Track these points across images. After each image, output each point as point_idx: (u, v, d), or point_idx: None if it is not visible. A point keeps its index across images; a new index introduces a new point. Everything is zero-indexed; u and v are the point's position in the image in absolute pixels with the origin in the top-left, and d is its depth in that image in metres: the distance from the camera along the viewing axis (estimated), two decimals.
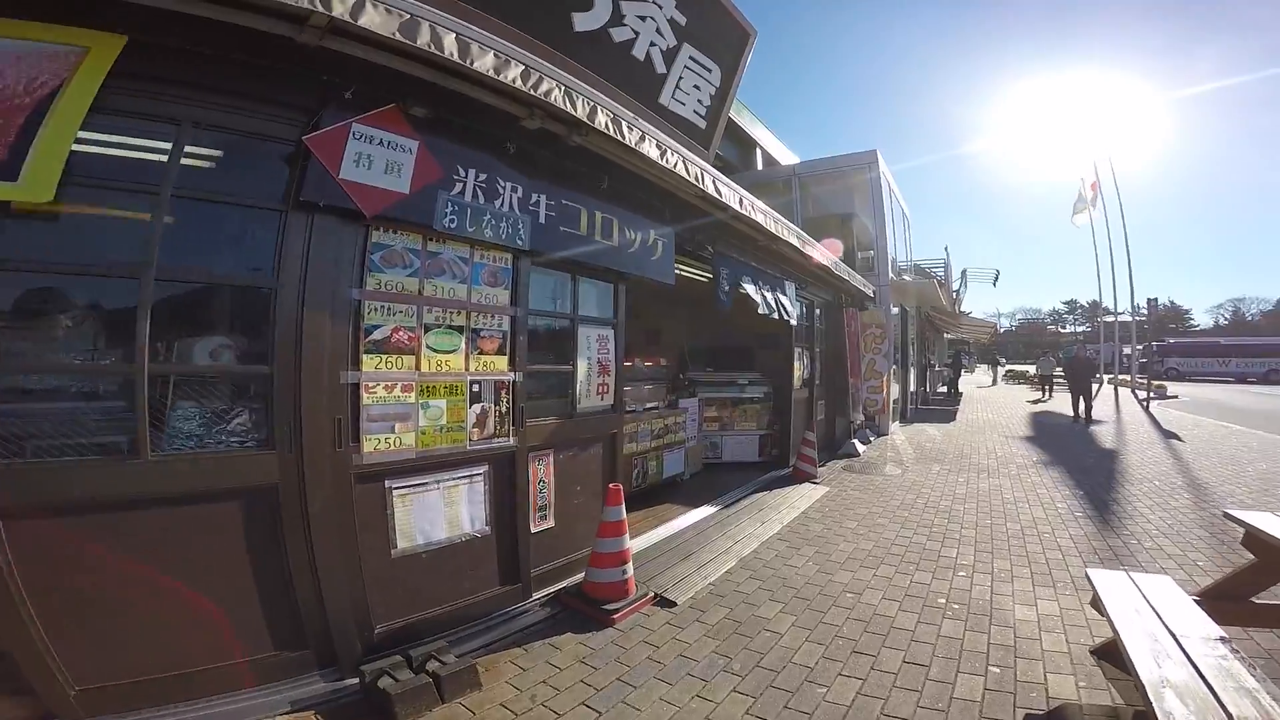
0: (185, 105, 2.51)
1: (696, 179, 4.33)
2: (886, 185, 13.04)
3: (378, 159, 2.89)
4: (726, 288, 5.63)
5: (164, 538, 2.47)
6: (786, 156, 18.16)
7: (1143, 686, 2.12)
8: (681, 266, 6.87)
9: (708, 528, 5.39)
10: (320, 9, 2.25)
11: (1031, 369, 32.97)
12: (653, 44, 5.68)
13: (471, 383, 3.35)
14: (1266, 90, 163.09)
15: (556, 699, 2.77)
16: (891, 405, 12.10)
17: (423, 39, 2.56)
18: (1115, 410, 16.18)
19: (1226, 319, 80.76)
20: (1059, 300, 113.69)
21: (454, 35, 2.69)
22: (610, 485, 3.74)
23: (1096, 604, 2.95)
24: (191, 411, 2.72)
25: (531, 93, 3.02)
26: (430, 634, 3.06)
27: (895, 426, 12.38)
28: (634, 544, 4.80)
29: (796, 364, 8.32)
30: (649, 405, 6.76)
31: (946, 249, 18.06)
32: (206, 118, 2.57)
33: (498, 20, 4.07)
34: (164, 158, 2.48)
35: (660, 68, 5.87)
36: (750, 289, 6.01)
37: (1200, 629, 2.46)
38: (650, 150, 3.80)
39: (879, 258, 12.40)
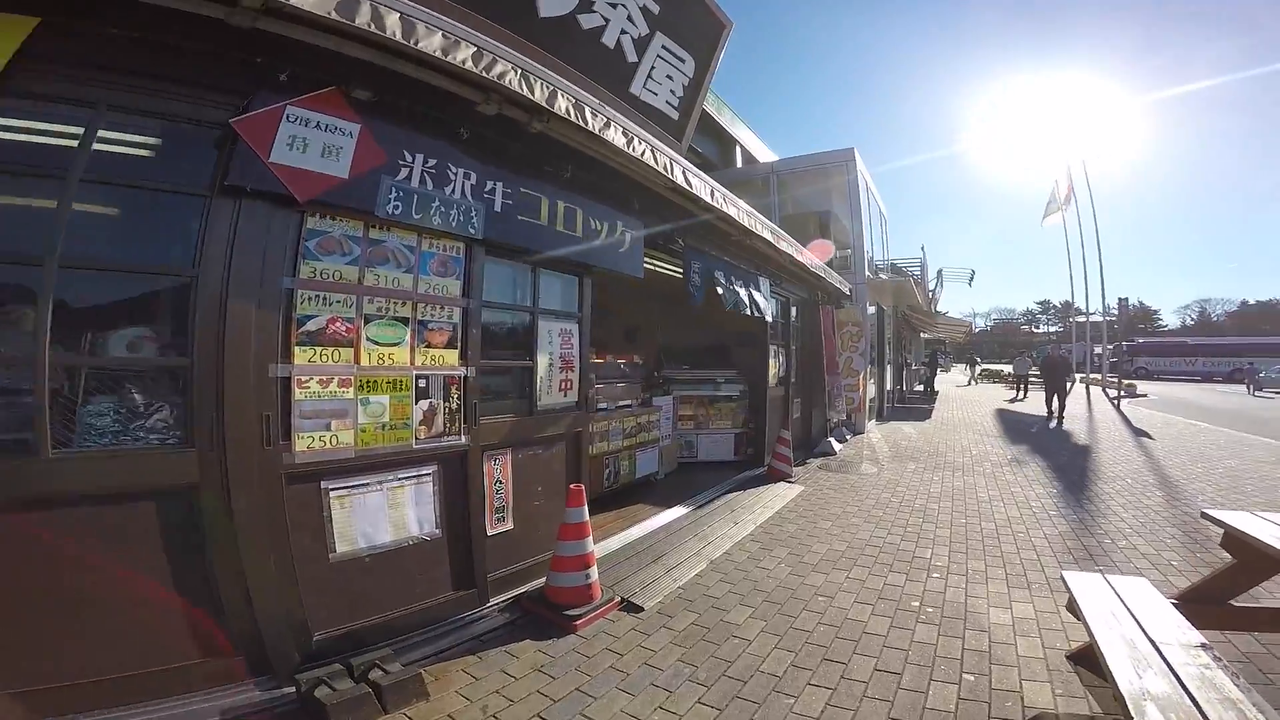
0: (104, 89, 2.38)
1: (665, 169, 4.18)
2: (864, 183, 13.02)
3: (314, 142, 2.74)
4: (698, 282, 5.47)
5: (70, 540, 2.29)
6: (767, 156, 18.13)
7: (1122, 698, 1.99)
8: (657, 262, 6.72)
9: (679, 529, 5.23)
10: None
11: (1006, 368, 33.45)
12: (624, 32, 5.51)
13: (418, 377, 3.14)
14: (1232, 94, 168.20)
15: (509, 710, 2.60)
16: (868, 403, 12.07)
17: (362, 18, 2.43)
18: (1087, 409, 16.38)
19: (1193, 319, 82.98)
20: (1033, 300, 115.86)
21: (398, 15, 2.55)
22: (572, 485, 3.56)
23: (1072, 608, 2.84)
24: (105, 407, 2.53)
25: (484, 75, 2.88)
26: (376, 641, 2.91)
27: (872, 425, 12.36)
28: (603, 546, 4.66)
29: (772, 361, 8.20)
30: (622, 403, 6.58)
31: (923, 248, 18.20)
32: (127, 102, 2.45)
33: (457, 5, 3.87)
34: (74, 143, 2.35)
35: (631, 56, 5.70)
36: (722, 284, 5.86)
37: (1180, 635, 2.34)
38: (615, 137, 3.64)
39: (856, 255, 12.36)
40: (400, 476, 3.11)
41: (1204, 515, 2.84)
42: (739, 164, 16.89)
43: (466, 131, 3.36)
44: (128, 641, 2.37)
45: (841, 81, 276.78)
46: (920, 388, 23.34)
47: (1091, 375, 23.07)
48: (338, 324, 2.85)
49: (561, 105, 3.25)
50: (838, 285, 9.89)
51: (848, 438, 10.37)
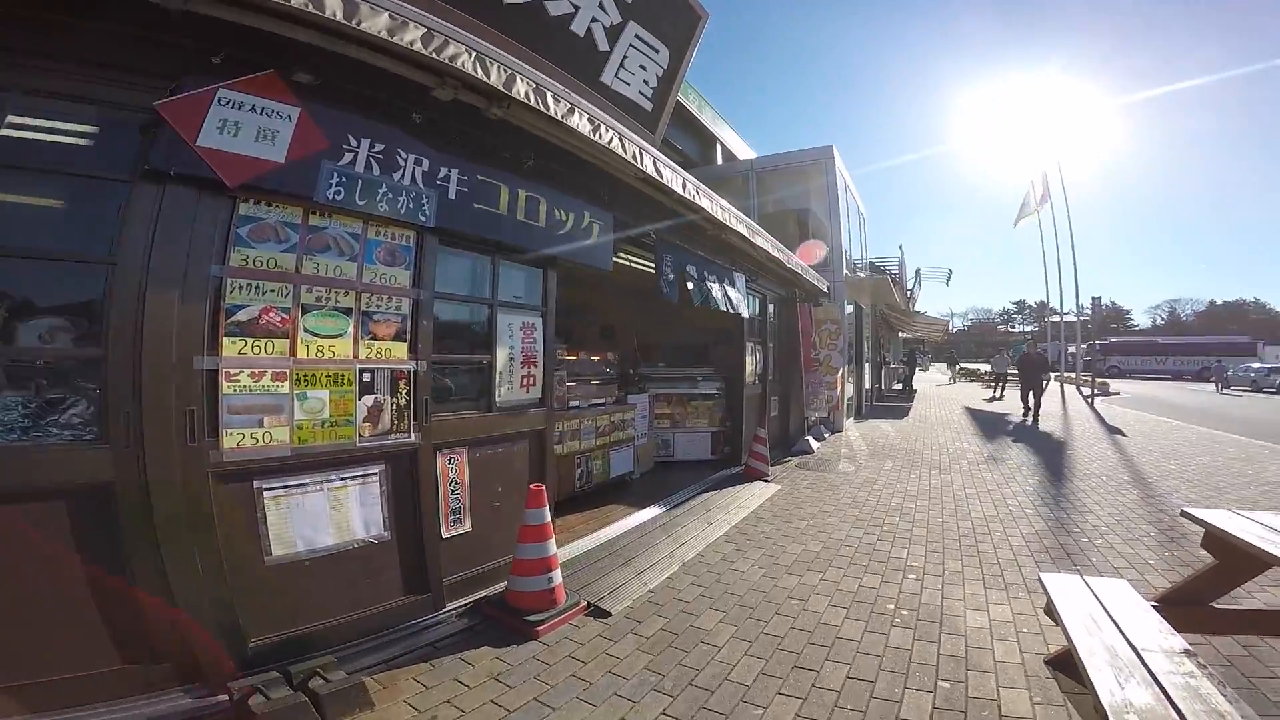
0: (19, 74, 2.30)
1: (634, 158, 4.03)
2: (842, 181, 12.97)
3: (247, 126, 2.61)
4: (670, 276, 5.31)
5: None
6: (748, 155, 18.03)
7: (1104, 710, 1.87)
8: (633, 258, 6.55)
9: (652, 530, 5.07)
10: None
11: (983, 367, 33.83)
12: (594, 20, 5.34)
13: (362, 371, 2.96)
14: (1203, 97, 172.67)
15: None
16: (846, 402, 12.02)
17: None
18: (1062, 406, 16.54)
19: (1164, 319, 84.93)
20: (1009, 301, 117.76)
21: None
22: (532, 486, 3.38)
23: (1050, 612, 2.73)
24: (14, 401, 2.35)
25: (435, 58, 2.75)
26: (320, 648, 2.78)
27: (850, 423, 12.31)
28: (573, 548, 4.51)
29: (748, 359, 8.08)
30: (595, 401, 6.41)
31: (901, 247, 18.25)
32: (45, 85, 2.35)
33: None
34: None
35: (603, 45, 5.53)
36: (695, 279, 5.70)
37: (1162, 640, 2.23)
38: (580, 124, 3.50)
39: (834, 253, 12.30)
40: (343, 476, 2.93)
41: (1184, 514, 2.75)
42: (720, 163, 16.77)
43: (420, 116, 3.22)
44: (42, 645, 2.26)
45: (822, 83, 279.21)
46: (899, 386, 23.46)
47: (1066, 374, 23.35)
48: (271, 314, 2.66)
49: (520, 90, 3.12)
50: (815, 283, 9.81)
51: (826, 436, 10.30)
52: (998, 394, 20.47)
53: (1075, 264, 19.81)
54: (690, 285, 5.70)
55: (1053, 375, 18.52)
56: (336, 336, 2.86)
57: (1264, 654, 2.88)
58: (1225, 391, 26.08)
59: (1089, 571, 4.01)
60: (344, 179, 2.87)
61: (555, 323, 4.19)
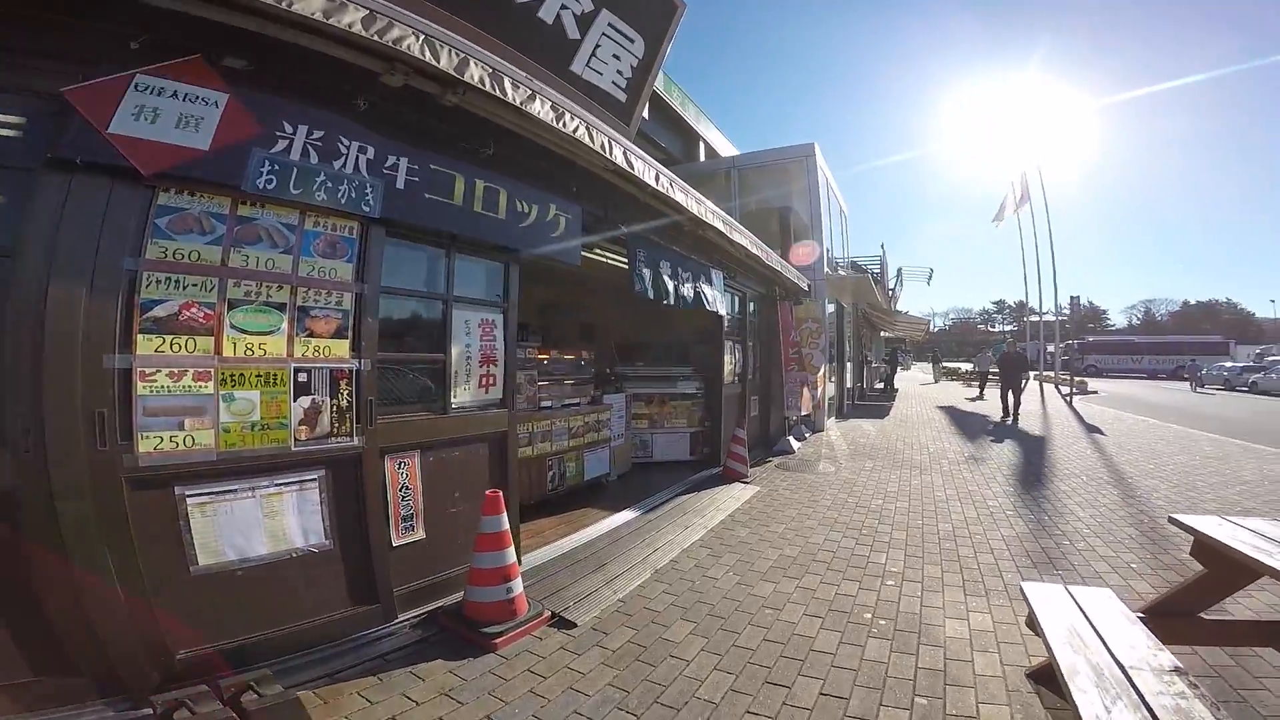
0: None
1: (603, 148, 3.86)
2: (824, 179, 12.88)
3: (167, 112, 2.44)
4: (644, 272, 5.12)
5: None
6: (731, 153, 17.92)
7: None
8: (610, 255, 6.35)
9: (626, 535, 4.89)
10: None
11: (964, 365, 34.07)
12: (564, 7, 5.13)
13: (297, 371, 2.75)
14: (1179, 99, 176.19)
15: None
16: (828, 401, 11.93)
17: None
18: (1041, 405, 16.64)
19: (1139, 319, 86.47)
20: (989, 300, 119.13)
21: None
22: (488, 492, 3.18)
23: (1033, 624, 2.58)
24: None
25: (377, 41, 2.57)
26: (257, 661, 2.64)
27: (831, 422, 12.23)
28: (541, 554, 4.32)
29: (727, 358, 7.92)
30: (569, 401, 6.21)
31: (883, 246, 18.26)
32: None
33: None
34: None
35: (573, 33, 5.32)
36: (670, 276, 5.52)
37: (1151, 657, 2.09)
38: (542, 112, 3.32)
39: (799, 245, 12.19)
40: (277, 482, 2.73)
41: (1171, 520, 2.61)
42: (703, 160, 16.63)
43: (365, 103, 3.03)
44: None
45: (806, 84, 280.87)
46: (881, 385, 23.52)
47: (1045, 373, 23.57)
48: (193, 310, 2.45)
49: (475, 75, 2.95)
50: (796, 281, 9.68)
51: (807, 436, 10.19)
52: (981, 394, 20.54)
53: (1054, 264, 20.02)
54: (665, 282, 5.51)
55: (1031, 374, 18.65)
56: (268, 333, 2.65)
57: (1252, 664, 2.76)
58: (1199, 390, 26.50)
59: (1071, 577, 3.90)
60: (277, 167, 2.68)
61: (535, 322, 4.01)
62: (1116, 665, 2.07)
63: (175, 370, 2.40)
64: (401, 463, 3.20)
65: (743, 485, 6.71)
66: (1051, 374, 23.69)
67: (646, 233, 5.37)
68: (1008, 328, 75.25)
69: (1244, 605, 3.27)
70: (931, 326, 54.88)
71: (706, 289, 6.36)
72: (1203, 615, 2.53)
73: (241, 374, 2.58)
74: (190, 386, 2.43)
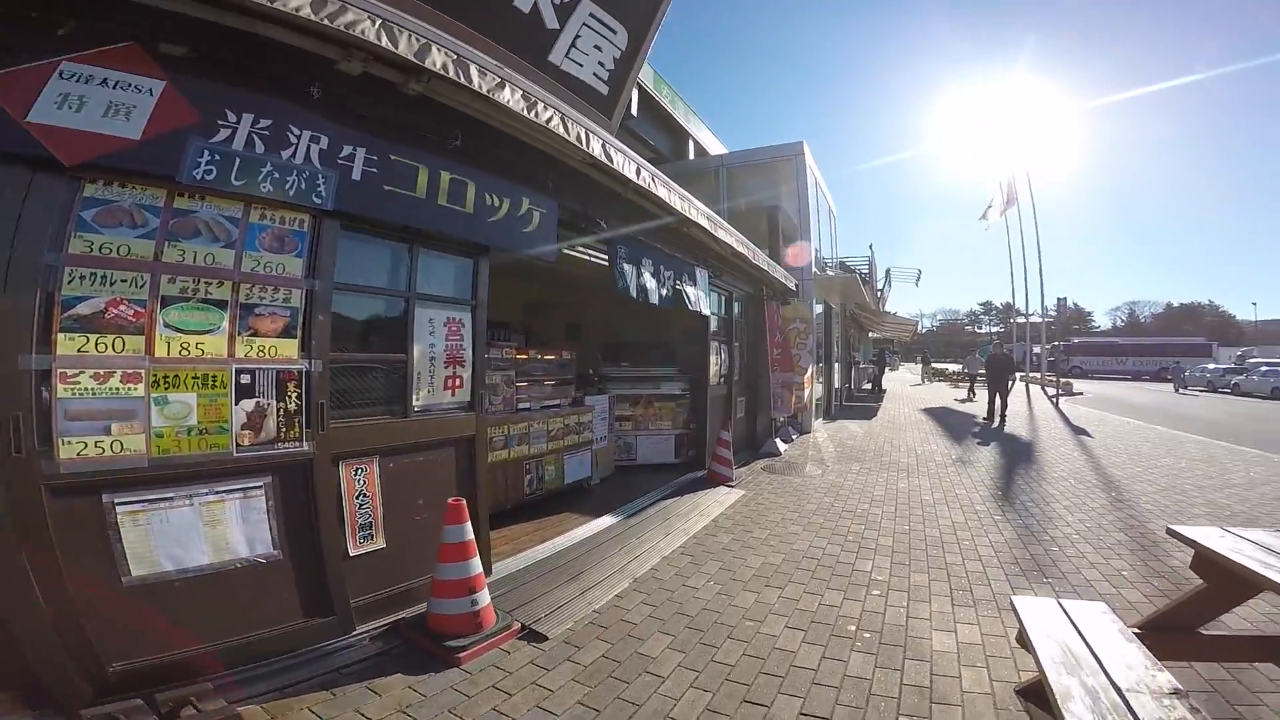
0: None
1: (579, 140, 3.70)
2: (813, 178, 12.78)
3: (94, 100, 2.29)
4: (624, 269, 4.95)
5: None
6: (721, 152, 17.81)
7: None
8: (594, 253, 6.18)
9: (605, 541, 4.72)
10: None
11: (952, 367, 34.18)
12: None
13: (239, 372, 2.57)
14: (1163, 102, 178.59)
15: None
16: (815, 402, 11.82)
17: None
18: (1027, 407, 16.65)
19: (1124, 320, 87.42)
20: (976, 302, 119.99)
21: None
22: (451, 500, 3.01)
23: (1024, 641, 2.45)
24: None
25: (328, 25, 2.41)
26: (199, 675, 2.51)
27: (819, 423, 12.12)
28: (514, 561, 4.15)
29: (713, 358, 7.78)
30: (549, 403, 6.03)
31: (871, 247, 18.21)
32: None
33: None
34: None
35: (551, 23, 5.14)
36: (652, 273, 5.36)
37: (1149, 677, 1.96)
38: (511, 100, 3.18)
39: (792, 245, 12.08)
40: (218, 490, 2.57)
41: (1170, 532, 2.49)
42: (692, 158, 16.50)
43: (319, 90, 2.86)
44: None
45: (797, 86, 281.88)
46: (868, 386, 23.51)
47: (1031, 374, 23.67)
48: (121, 307, 2.27)
49: (437, 61, 2.80)
50: (783, 280, 9.56)
51: (794, 437, 10.07)
52: (970, 395, 20.56)
53: (1041, 266, 20.04)
54: (648, 280, 5.35)
55: (1018, 375, 18.68)
56: (206, 332, 2.48)
57: (1250, 678, 2.65)
58: (1183, 391, 26.75)
59: (1061, 585, 3.78)
60: (217, 157, 2.52)
61: (517, 321, 3.84)
62: (1113, 687, 1.93)
63: (100, 371, 2.22)
64: (358, 469, 3.03)
65: (727, 489, 6.57)
66: (1038, 375, 23.78)
67: (628, 229, 5.21)
68: (994, 329, 75.85)
69: (1239, 616, 3.15)
70: (919, 328, 55.14)
71: (691, 288, 6.21)
72: (1202, 630, 2.41)
73: (176, 375, 2.40)
74: (118, 389, 2.25)
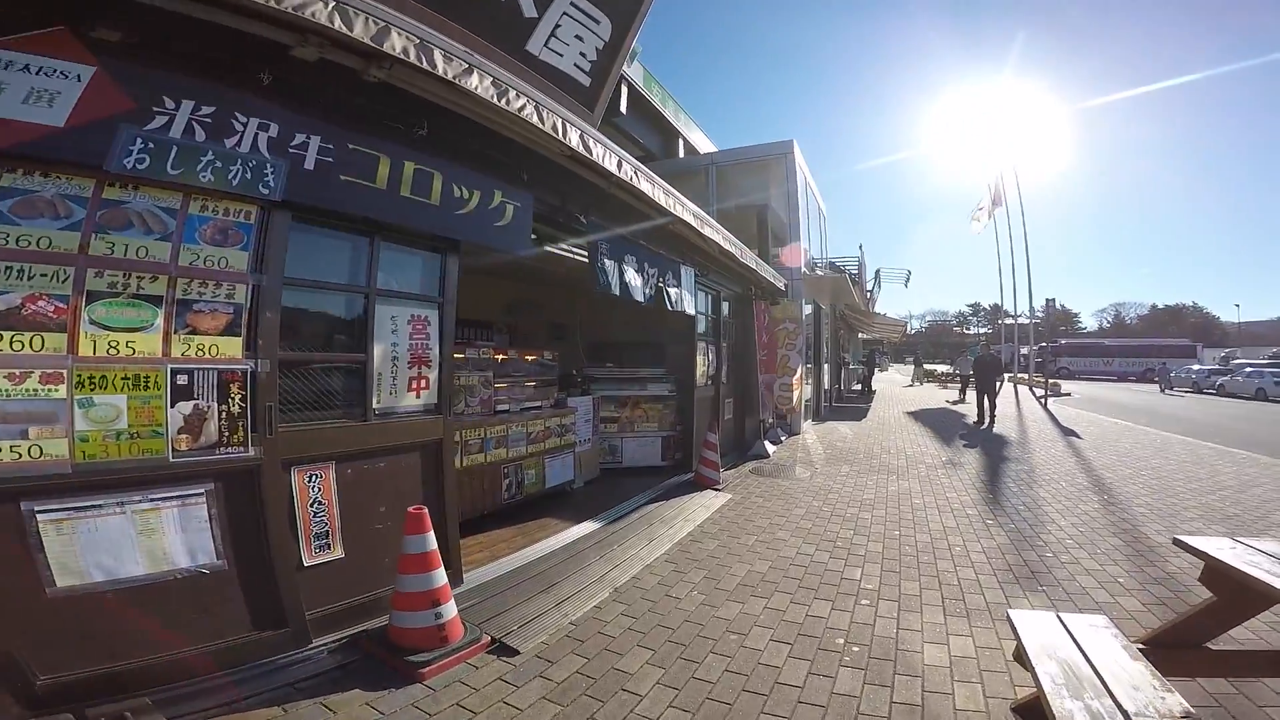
0: None
1: (555, 130, 3.53)
2: (802, 177, 12.68)
3: (15, 87, 2.15)
4: (605, 265, 4.78)
5: None
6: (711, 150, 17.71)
7: None
8: (576, 250, 6.01)
9: (585, 548, 4.53)
10: None
11: (941, 368, 34.25)
12: None
13: (175, 372, 2.38)
14: (1147, 105, 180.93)
15: None
16: (804, 404, 11.69)
17: None
18: (1016, 407, 16.64)
19: (1109, 322, 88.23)
20: (964, 303, 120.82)
21: None
22: (411, 509, 2.82)
23: (1021, 658, 2.30)
24: None
25: (275, 7, 2.27)
26: (138, 688, 2.36)
27: (808, 425, 12.00)
28: (488, 570, 3.98)
29: (700, 359, 7.62)
30: (530, 405, 5.84)
31: (861, 247, 18.15)
32: None
33: None
34: None
35: (529, 11, 4.96)
36: (635, 271, 5.19)
37: (1157, 699, 1.81)
38: (480, 87, 3.03)
39: (787, 246, 11.97)
40: (153, 497, 2.39)
41: (1177, 543, 2.34)
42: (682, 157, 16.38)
43: (269, 77, 2.70)
44: None
45: (788, 87, 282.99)
46: (858, 387, 23.47)
47: (1019, 375, 23.73)
48: (40, 303, 2.09)
49: (397, 45, 2.64)
50: (772, 280, 9.42)
51: (782, 439, 9.93)
52: (963, 396, 20.52)
53: (1029, 268, 20.07)
54: (631, 278, 5.18)
55: (1006, 376, 18.67)
56: (138, 330, 2.29)
57: (1255, 691, 2.52)
58: (1169, 392, 26.93)
59: (1056, 593, 3.65)
60: (151, 145, 2.35)
61: (501, 321, 3.66)
62: (1119, 711, 1.79)
63: (16, 371, 2.03)
64: (313, 475, 2.84)
65: (714, 492, 6.41)
66: (1026, 376, 23.84)
67: (610, 225, 5.04)
68: (982, 330, 76.34)
69: (1245, 630, 3.02)
70: (908, 329, 55.33)
71: (676, 287, 6.05)
72: (1209, 646, 2.26)
73: (103, 376, 2.21)
74: (36, 390, 2.06)
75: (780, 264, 11.42)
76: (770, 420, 9.86)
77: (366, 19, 2.53)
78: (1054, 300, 26.12)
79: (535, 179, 4.12)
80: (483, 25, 4.45)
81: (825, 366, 16.18)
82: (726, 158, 13.52)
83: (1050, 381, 20.54)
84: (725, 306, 8.84)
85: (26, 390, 2.03)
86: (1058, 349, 40.63)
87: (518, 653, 2.97)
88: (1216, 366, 29.78)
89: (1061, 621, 2.36)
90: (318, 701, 2.50)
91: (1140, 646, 2.23)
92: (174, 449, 2.39)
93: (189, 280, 2.45)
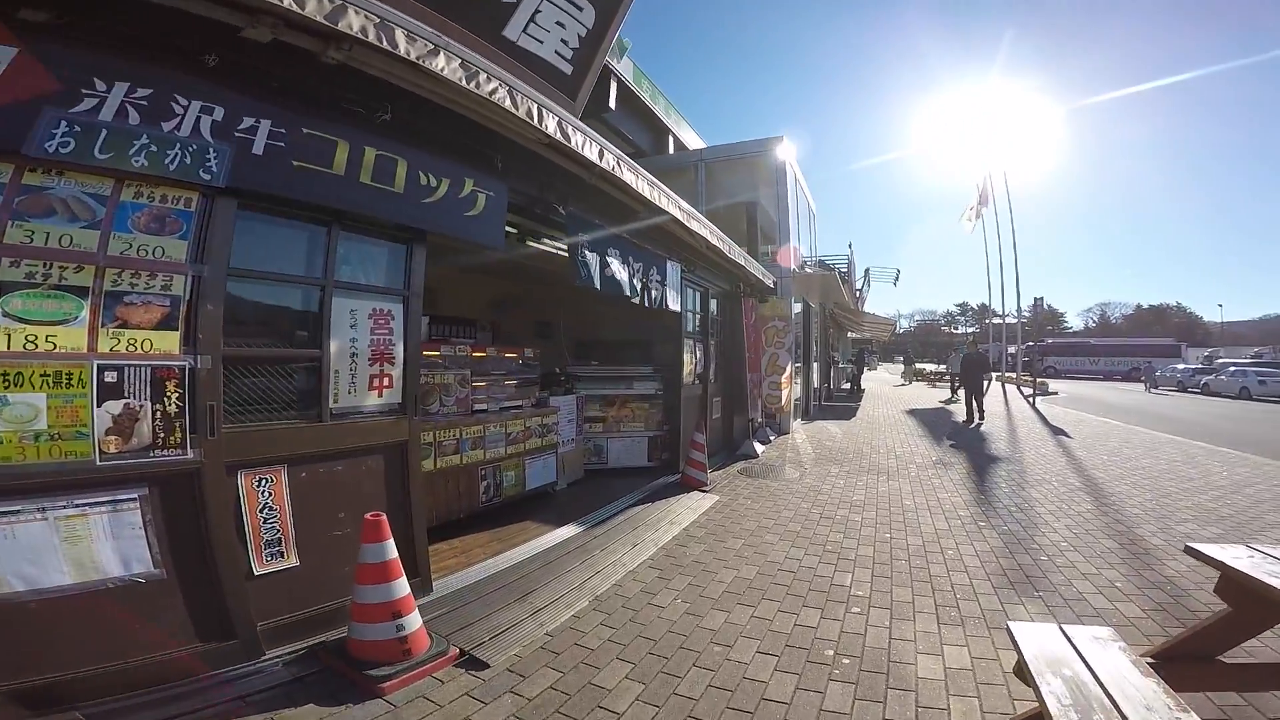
0: None
1: (529, 115, 3.37)
2: (792, 174, 12.54)
3: None
4: (588, 259, 4.60)
5: None
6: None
7: None
8: (561, 246, 5.83)
9: (565, 554, 4.35)
10: None
11: (929, 366, 34.32)
12: None
13: (103, 369, 2.17)
14: (1134, 105, 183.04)
15: None
16: (793, 402, 11.56)
17: None
18: (1005, 406, 16.64)
19: (1095, 321, 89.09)
20: (952, 303, 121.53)
21: None
22: (368, 516, 2.63)
23: (1023, 674, 2.15)
24: None
25: None
26: (68, 702, 2.23)
27: (797, 424, 11.87)
28: (461, 578, 3.79)
29: (687, 357, 7.45)
30: (510, 404, 5.64)
31: (850, 245, 18.09)
32: None
33: None
34: None
35: None
36: (619, 266, 5.01)
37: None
38: (447, 69, 2.88)
39: (782, 246, 11.84)
40: (78, 502, 2.20)
41: (1189, 550, 2.19)
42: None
43: (214, 59, 2.53)
44: None
45: (779, 88, 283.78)
46: (847, 385, 23.43)
47: (1007, 374, 23.79)
48: None
49: (354, 24, 2.48)
50: (761, 277, 9.28)
51: (771, 439, 9.79)
52: (953, 394, 20.51)
53: (1017, 267, 20.10)
54: (614, 273, 5.01)
55: (994, 375, 18.69)
56: (60, 323, 2.10)
57: (1264, 702, 2.38)
58: (1154, 391, 27.12)
59: (1053, 599, 3.51)
60: (77, 129, 2.20)
61: (484, 318, 3.47)
62: None
63: None
64: (262, 479, 2.65)
65: (702, 494, 6.24)
66: (1013, 375, 23.92)
67: (592, 217, 4.86)
68: (970, 329, 76.80)
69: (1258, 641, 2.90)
70: (897, 328, 55.56)
71: (661, 283, 5.88)
72: (1223, 659, 2.12)
73: (18, 373, 2.01)
74: None
75: (771, 262, 11.29)
76: (759, 419, 9.71)
77: None
78: (1042, 300, 26.20)
79: (511, 168, 3.94)
80: (456, 8, 4.25)
81: (814, 365, 16.08)
82: (716, 153, 13.35)
83: (1038, 380, 20.57)
84: (713, 304, 8.68)
85: None
86: (1044, 348, 40.91)
87: (488, 666, 2.80)
88: (1201, 366, 30.03)
89: (1065, 634, 2.21)
90: (268, 716, 2.35)
91: (1150, 661, 2.08)
92: (102, 451, 2.20)
93: (120, 271, 2.26)
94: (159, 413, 2.30)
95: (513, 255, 6.55)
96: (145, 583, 2.39)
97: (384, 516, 2.66)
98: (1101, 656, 2.04)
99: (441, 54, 2.85)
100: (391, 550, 2.66)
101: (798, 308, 12.75)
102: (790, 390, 10.81)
